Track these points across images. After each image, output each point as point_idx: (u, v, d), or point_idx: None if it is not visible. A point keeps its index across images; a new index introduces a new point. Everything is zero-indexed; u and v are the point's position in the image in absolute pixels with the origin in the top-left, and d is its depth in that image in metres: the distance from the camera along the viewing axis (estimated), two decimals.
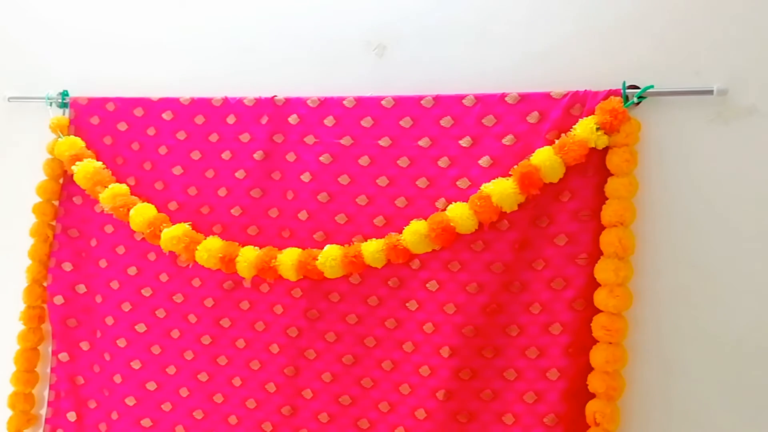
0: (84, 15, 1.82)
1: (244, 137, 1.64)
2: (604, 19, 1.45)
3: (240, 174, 1.64)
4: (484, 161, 1.47)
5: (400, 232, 1.48)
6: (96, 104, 1.76)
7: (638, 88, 1.39)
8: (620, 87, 1.39)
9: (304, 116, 1.60)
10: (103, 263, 1.74)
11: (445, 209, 1.46)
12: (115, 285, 1.72)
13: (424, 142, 1.52)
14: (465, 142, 1.49)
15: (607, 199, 1.39)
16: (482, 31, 1.53)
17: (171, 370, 1.69)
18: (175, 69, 1.75)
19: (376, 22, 1.60)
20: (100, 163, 1.71)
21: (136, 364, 1.71)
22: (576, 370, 1.43)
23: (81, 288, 1.77)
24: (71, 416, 1.76)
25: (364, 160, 1.56)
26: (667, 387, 1.42)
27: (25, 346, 1.78)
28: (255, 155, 1.63)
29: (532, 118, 1.45)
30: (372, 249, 1.49)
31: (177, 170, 1.69)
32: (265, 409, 1.63)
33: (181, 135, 1.69)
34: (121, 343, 1.72)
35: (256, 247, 1.58)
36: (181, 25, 1.75)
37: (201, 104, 1.68)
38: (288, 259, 1.53)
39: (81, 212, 1.77)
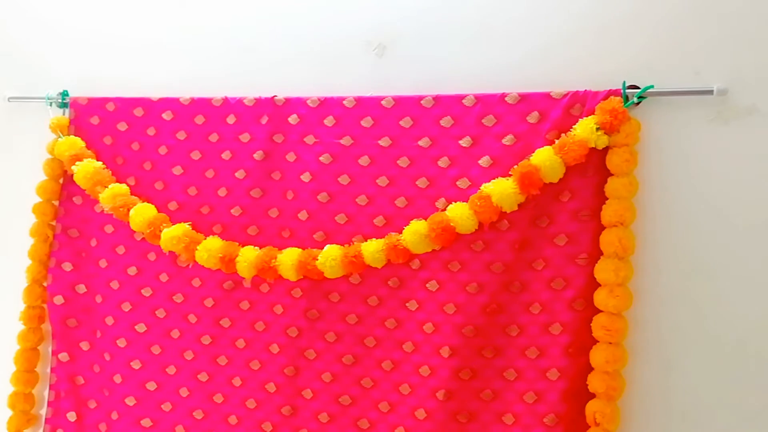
0: (84, 15, 1.82)
1: (244, 137, 1.64)
2: (604, 18, 1.45)
3: (240, 174, 1.64)
4: (484, 161, 1.47)
5: (400, 232, 1.48)
6: (96, 104, 1.76)
7: (638, 88, 1.39)
8: (620, 87, 1.39)
9: (304, 116, 1.60)
10: (103, 263, 1.74)
11: (445, 209, 1.46)
12: (115, 285, 1.72)
13: (424, 142, 1.52)
14: (465, 142, 1.49)
15: (607, 199, 1.39)
16: (482, 31, 1.53)
17: (171, 370, 1.69)
18: (175, 69, 1.75)
19: (376, 22, 1.60)
20: (100, 163, 1.71)
21: (136, 364, 1.71)
22: (576, 370, 1.43)
23: (81, 288, 1.77)
24: (71, 416, 1.76)
25: (364, 160, 1.56)
26: (667, 387, 1.42)
27: (25, 346, 1.78)
28: (255, 155, 1.63)
29: (532, 118, 1.44)
30: (372, 249, 1.49)
31: (177, 170, 1.69)
32: (265, 409, 1.62)
33: (181, 135, 1.69)
34: (121, 343, 1.72)
35: (256, 247, 1.58)
36: (181, 25, 1.75)
37: (201, 104, 1.68)
38: (288, 259, 1.53)
39: (81, 212, 1.77)
